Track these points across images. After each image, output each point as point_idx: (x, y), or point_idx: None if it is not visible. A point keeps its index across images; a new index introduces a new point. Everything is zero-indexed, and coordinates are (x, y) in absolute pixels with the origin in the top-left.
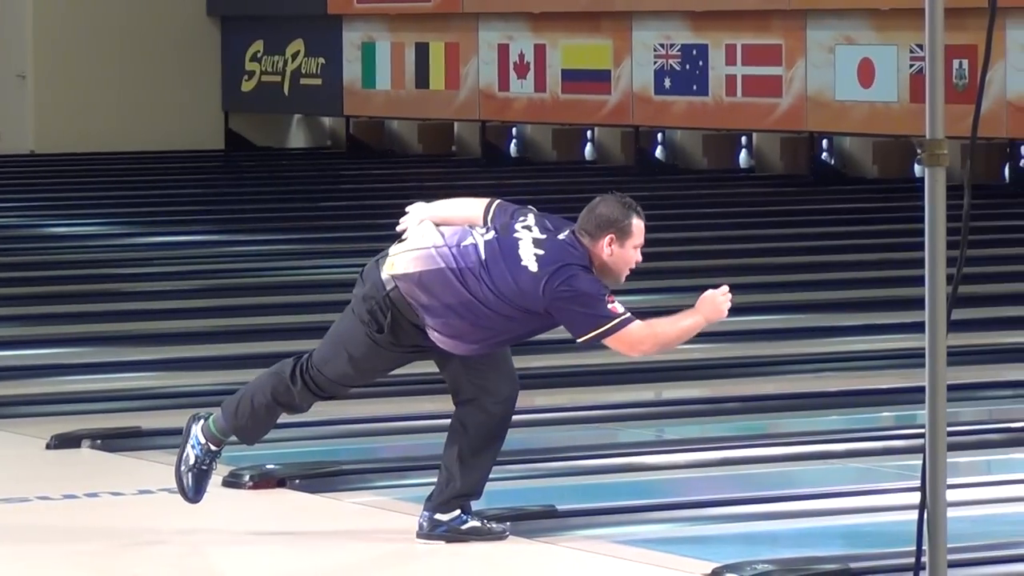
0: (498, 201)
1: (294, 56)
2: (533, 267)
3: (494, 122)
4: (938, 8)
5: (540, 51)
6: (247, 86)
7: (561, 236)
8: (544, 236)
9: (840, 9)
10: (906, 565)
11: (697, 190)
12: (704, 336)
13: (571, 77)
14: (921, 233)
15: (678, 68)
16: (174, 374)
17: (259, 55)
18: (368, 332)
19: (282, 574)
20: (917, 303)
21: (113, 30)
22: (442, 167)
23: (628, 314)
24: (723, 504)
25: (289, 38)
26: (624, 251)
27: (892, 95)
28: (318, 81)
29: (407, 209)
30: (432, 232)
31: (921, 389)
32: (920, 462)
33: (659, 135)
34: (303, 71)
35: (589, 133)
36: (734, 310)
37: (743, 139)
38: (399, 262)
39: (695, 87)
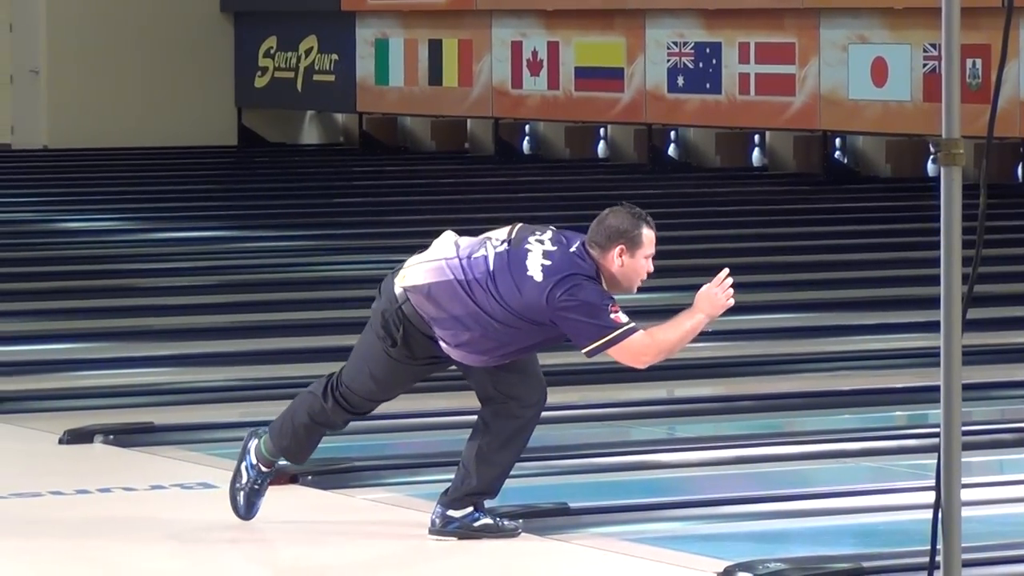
0: (521, 224)
1: (307, 52)
2: (538, 277)
3: (507, 119)
4: (954, 8)
5: (553, 48)
6: (260, 82)
7: (571, 248)
8: (554, 248)
9: (854, 8)
10: (919, 564)
11: (710, 188)
12: (717, 334)
13: (584, 75)
14: (935, 232)
15: (691, 66)
16: (187, 370)
17: (272, 51)
18: (384, 348)
19: (295, 570)
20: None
21: (126, 26)
22: (455, 164)
23: (631, 324)
24: (736, 502)
25: (302, 34)
26: (635, 261)
27: (905, 94)
28: (331, 77)
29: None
30: (448, 244)
31: (935, 388)
32: (934, 461)
33: (672, 133)
34: (316, 67)
35: (602, 131)
36: (748, 308)
37: (756, 137)
38: (411, 274)
39: (708, 85)
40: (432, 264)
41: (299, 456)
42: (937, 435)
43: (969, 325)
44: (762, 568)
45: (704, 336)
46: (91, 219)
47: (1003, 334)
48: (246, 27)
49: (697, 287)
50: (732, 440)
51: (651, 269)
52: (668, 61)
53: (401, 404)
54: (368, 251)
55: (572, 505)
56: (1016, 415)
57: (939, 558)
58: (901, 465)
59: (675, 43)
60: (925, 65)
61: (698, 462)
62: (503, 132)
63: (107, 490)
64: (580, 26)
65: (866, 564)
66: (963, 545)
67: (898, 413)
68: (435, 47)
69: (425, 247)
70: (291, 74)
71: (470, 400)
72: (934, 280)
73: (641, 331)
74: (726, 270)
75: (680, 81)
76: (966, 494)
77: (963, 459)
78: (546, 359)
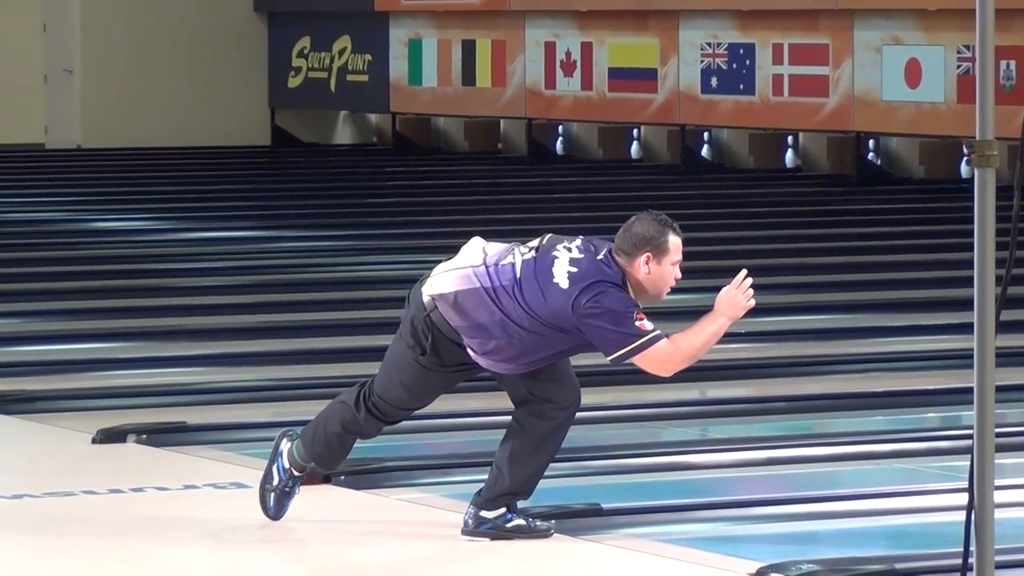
0: (551, 234)
1: (341, 53)
2: (564, 284)
3: (540, 120)
4: (988, 9)
5: (587, 49)
6: (294, 82)
7: (599, 256)
8: (581, 256)
9: (887, 9)
10: (952, 566)
11: (743, 189)
12: (750, 335)
13: (618, 75)
14: (968, 234)
15: (725, 67)
16: (220, 370)
17: (306, 51)
18: (414, 356)
19: (328, 569)
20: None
21: (160, 26)
22: (488, 165)
23: (656, 331)
24: (768, 504)
25: (336, 35)
26: (662, 268)
27: (939, 96)
28: (365, 78)
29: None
30: (475, 251)
31: (966, 390)
32: (965, 463)
33: (705, 134)
34: (350, 68)
35: (635, 132)
36: (780, 309)
37: (789, 139)
38: (437, 282)
39: (742, 86)
40: (459, 272)
41: (331, 464)
42: (969, 437)
43: (1002, 327)
44: (794, 569)
45: (736, 337)
46: (124, 219)
47: None
48: (280, 27)
49: None
50: (764, 441)
51: (679, 276)
52: (702, 62)
53: (434, 405)
54: (401, 251)
55: (605, 506)
56: None
57: (972, 560)
58: (933, 467)
59: (709, 44)
60: (959, 66)
61: (730, 463)
62: (536, 133)
63: (140, 489)
64: (614, 27)
65: (898, 565)
66: (996, 547)
67: (930, 415)
68: (468, 47)
69: (457, 248)
70: (324, 74)
71: (503, 401)
72: (967, 282)
73: (665, 339)
74: (744, 271)
75: (713, 82)
76: (999, 496)
77: (996, 461)
78: (579, 360)
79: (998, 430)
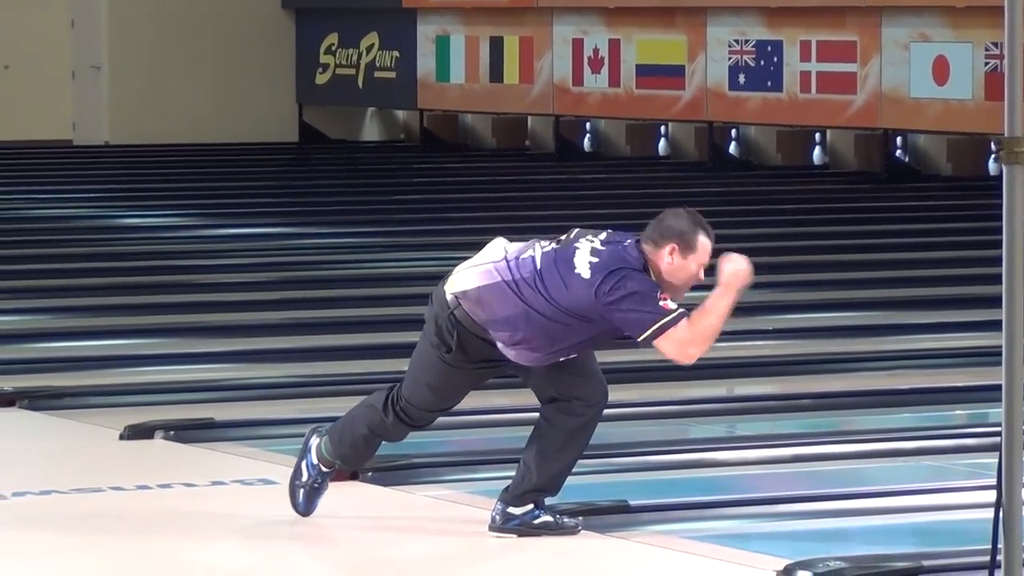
0: (578, 229)
1: (368, 49)
2: (586, 273)
3: (568, 117)
4: (1017, 6)
5: (615, 46)
6: (321, 79)
7: (623, 244)
8: (603, 247)
9: (915, 6)
10: (978, 563)
11: (770, 186)
12: (776, 333)
13: (645, 72)
14: (996, 231)
15: (752, 64)
16: (247, 366)
17: (334, 48)
18: (440, 355)
19: (355, 566)
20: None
21: (188, 22)
22: (516, 161)
23: (681, 310)
24: (795, 501)
25: (364, 31)
26: (685, 263)
27: (967, 93)
28: (392, 74)
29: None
30: (496, 248)
31: (993, 387)
32: (992, 461)
33: (733, 131)
34: (377, 64)
35: (663, 128)
36: (807, 306)
37: (817, 136)
38: (459, 280)
39: (769, 83)
40: (480, 268)
41: (356, 463)
42: (997, 434)
43: None
44: (821, 567)
45: (762, 335)
46: (152, 215)
47: None
48: (307, 24)
49: (757, 285)
50: (790, 438)
51: (701, 277)
52: (729, 59)
53: (461, 402)
54: (428, 248)
55: (632, 503)
56: None
57: (1000, 557)
58: (960, 464)
59: (736, 41)
60: (987, 63)
61: (756, 460)
62: (564, 129)
63: (167, 486)
64: (642, 23)
65: (925, 563)
66: None
67: (957, 412)
68: (496, 44)
69: (484, 245)
70: (352, 71)
71: (529, 397)
72: (995, 279)
73: (687, 320)
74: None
75: (741, 79)
76: None
77: None
78: (605, 357)
79: None
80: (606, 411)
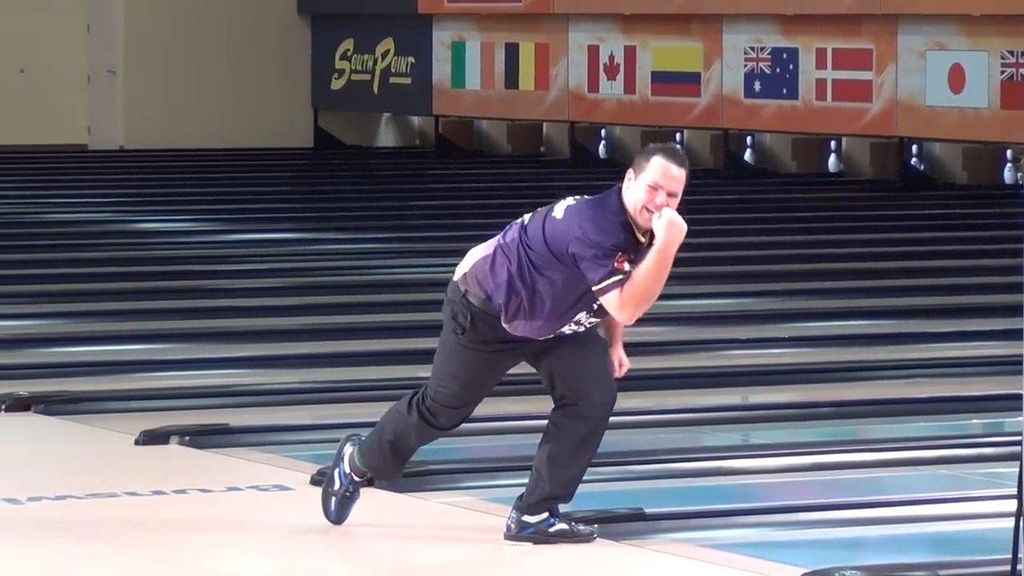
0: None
1: (384, 55)
2: (559, 215)
3: (583, 123)
4: None
5: (630, 53)
6: (337, 84)
7: (605, 193)
8: (583, 197)
9: (931, 15)
10: (996, 573)
11: (786, 194)
12: (793, 341)
13: (661, 79)
14: (1012, 240)
15: (768, 71)
16: (263, 371)
17: (349, 54)
18: (457, 340)
19: (369, 572)
20: (1008, 310)
21: (203, 27)
22: (531, 168)
23: (624, 276)
24: (812, 509)
25: (379, 37)
26: (637, 186)
27: (983, 101)
28: (407, 80)
29: None
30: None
31: (1012, 397)
32: (1010, 470)
33: (748, 138)
34: (393, 70)
35: (678, 135)
36: (824, 315)
37: (832, 143)
38: (463, 265)
39: (785, 91)
40: (479, 252)
41: (386, 474)
42: (1015, 444)
43: None
44: (838, 575)
45: (780, 342)
46: (167, 220)
47: None
48: (323, 29)
49: (772, 292)
50: (807, 447)
51: (657, 202)
52: (745, 66)
53: (477, 408)
54: (443, 254)
55: (647, 511)
56: None
57: (1021, 567)
58: (977, 473)
59: (752, 48)
60: (1003, 72)
61: (773, 468)
62: (579, 136)
63: (183, 491)
64: (657, 30)
65: (943, 572)
66: None
67: (975, 421)
68: (512, 50)
69: None
70: (367, 76)
71: (544, 404)
72: (1012, 288)
73: (624, 287)
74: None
75: (757, 86)
76: None
77: None
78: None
79: None
80: (622, 419)
